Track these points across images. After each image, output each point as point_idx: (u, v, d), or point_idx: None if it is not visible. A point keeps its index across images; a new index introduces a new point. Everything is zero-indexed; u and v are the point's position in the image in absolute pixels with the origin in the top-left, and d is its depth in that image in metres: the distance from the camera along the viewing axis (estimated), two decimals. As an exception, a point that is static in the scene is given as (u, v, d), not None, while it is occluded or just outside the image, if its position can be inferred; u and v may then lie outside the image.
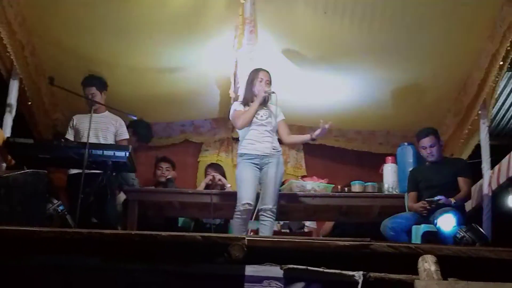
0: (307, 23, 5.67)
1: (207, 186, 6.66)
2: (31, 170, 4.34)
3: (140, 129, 6.80)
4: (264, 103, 5.46)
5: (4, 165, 5.24)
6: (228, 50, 6.06)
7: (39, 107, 6.60)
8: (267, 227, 5.18)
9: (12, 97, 5.62)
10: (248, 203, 5.11)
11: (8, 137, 5.18)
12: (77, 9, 5.52)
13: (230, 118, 5.55)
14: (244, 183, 5.22)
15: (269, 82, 5.45)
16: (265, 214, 5.18)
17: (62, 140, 5.38)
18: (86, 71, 6.14)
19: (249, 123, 5.36)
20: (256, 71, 5.54)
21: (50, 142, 5.51)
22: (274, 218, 5.23)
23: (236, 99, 6.49)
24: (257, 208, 5.22)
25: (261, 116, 5.41)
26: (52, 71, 5.96)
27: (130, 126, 6.48)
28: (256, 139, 5.34)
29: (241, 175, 5.28)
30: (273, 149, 5.34)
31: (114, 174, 5.54)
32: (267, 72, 5.51)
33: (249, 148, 5.32)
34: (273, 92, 5.41)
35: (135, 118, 6.02)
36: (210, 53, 6.26)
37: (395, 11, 5.41)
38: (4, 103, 5.61)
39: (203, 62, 6.42)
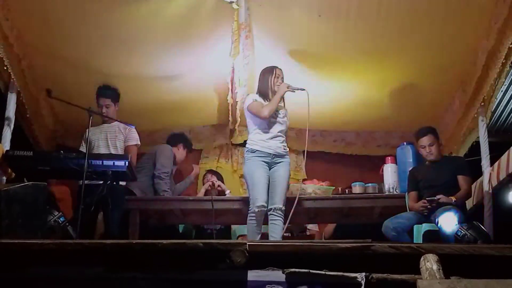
0: (302, 26, 5.68)
1: (206, 192, 6.67)
2: (31, 182, 4.33)
3: (186, 142, 7.06)
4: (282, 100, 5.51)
5: (4, 178, 5.24)
6: (224, 56, 6.07)
7: (38, 120, 6.61)
8: (278, 226, 5.16)
9: (10, 111, 5.61)
10: (263, 205, 5.13)
11: (7, 150, 5.18)
12: (73, 21, 5.52)
13: (249, 109, 5.47)
14: (257, 185, 5.22)
15: (283, 79, 5.52)
16: (275, 213, 5.16)
17: (61, 151, 5.38)
18: (84, 82, 6.16)
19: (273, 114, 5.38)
20: (271, 68, 5.61)
21: (49, 154, 5.50)
22: (283, 217, 5.20)
23: (234, 105, 6.51)
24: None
25: (279, 114, 5.43)
26: (50, 83, 5.96)
27: (178, 142, 6.86)
28: (270, 137, 5.35)
29: (253, 175, 5.27)
30: (284, 149, 5.40)
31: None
32: (281, 69, 5.60)
33: (262, 145, 5.33)
34: (303, 89, 5.42)
35: (133, 127, 6.01)
36: (207, 59, 6.27)
37: (389, 11, 5.41)
38: (3, 116, 5.62)
39: (200, 69, 6.43)
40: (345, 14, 5.45)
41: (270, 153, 5.31)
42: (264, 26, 5.86)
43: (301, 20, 5.59)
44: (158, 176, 6.34)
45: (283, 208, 5.21)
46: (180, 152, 6.86)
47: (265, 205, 5.15)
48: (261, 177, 5.24)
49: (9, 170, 5.20)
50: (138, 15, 5.46)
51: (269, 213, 5.20)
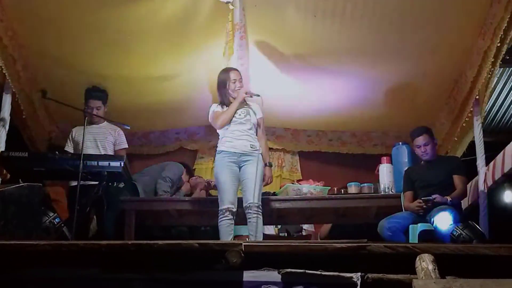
0: (298, 26, 5.68)
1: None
2: (26, 183, 4.32)
3: (189, 169, 7.20)
4: (243, 101, 5.47)
5: (-1, 179, 5.24)
6: (219, 57, 6.06)
7: (33, 120, 6.59)
8: (255, 224, 5.08)
9: (6, 111, 5.60)
10: (229, 207, 5.11)
11: (2, 151, 5.18)
12: (67, 22, 5.52)
13: (209, 120, 5.50)
14: (223, 187, 5.20)
15: (241, 80, 5.47)
16: (251, 211, 5.10)
17: (57, 152, 5.37)
18: (78, 82, 6.13)
19: (228, 123, 5.35)
20: (226, 72, 5.53)
21: (44, 155, 5.50)
22: (260, 213, 5.13)
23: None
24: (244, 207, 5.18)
25: (239, 115, 5.39)
26: (45, 84, 5.97)
27: (184, 167, 6.89)
28: (234, 137, 5.31)
29: (219, 177, 5.25)
30: (251, 147, 5.30)
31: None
32: (237, 70, 5.54)
33: (227, 146, 5.29)
34: (258, 95, 5.42)
35: (128, 127, 6.02)
36: (202, 60, 6.26)
37: (384, 11, 5.42)
38: (-2, 117, 5.61)
39: (195, 69, 6.43)
40: (340, 15, 5.46)
41: (236, 152, 5.26)
42: (259, 27, 5.86)
43: (296, 20, 5.59)
44: (162, 178, 6.41)
45: (258, 204, 5.13)
46: (184, 175, 6.90)
47: (232, 206, 5.12)
48: (227, 179, 5.21)
49: (4, 171, 5.19)
50: (133, 15, 5.45)
51: (245, 212, 5.17)
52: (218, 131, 5.48)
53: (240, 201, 5.25)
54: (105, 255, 3.14)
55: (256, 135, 5.45)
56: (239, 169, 5.27)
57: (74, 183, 5.64)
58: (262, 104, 5.40)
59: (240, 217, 5.25)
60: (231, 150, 5.27)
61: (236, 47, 5.84)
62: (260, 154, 5.36)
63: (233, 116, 5.35)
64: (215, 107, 5.50)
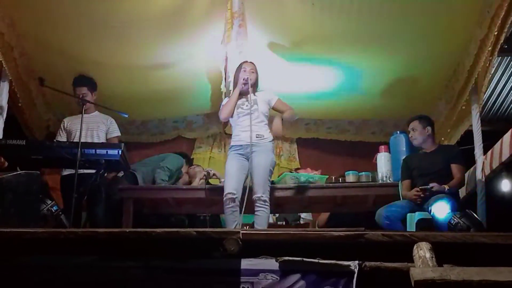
0: (296, 15, 5.66)
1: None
2: (24, 171, 4.32)
3: (189, 159, 7.19)
4: (247, 92, 5.47)
5: (-3, 167, 5.23)
6: (218, 45, 6.05)
7: (31, 108, 6.58)
8: (259, 217, 5.14)
9: (3, 99, 5.58)
10: (229, 193, 5.13)
11: (0, 139, 5.16)
12: (65, 9, 5.48)
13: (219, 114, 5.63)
14: (227, 174, 5.27)
15: (253, 71, 5.50)
16: (256, 204, 5.15)
17: (55, 140, 5.35)
18: (76, 71, 6.12)
19: (231, 113, 5.42)
20: (240, 64, 5.62)
21: (42, 143, 5.49)
22: (266, 207, 5.18)
23: (227, 94, 6.50)
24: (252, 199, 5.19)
25: (246, 106, 5.42)
26: (42, 72, 5.94)
27: (184, 157, 6.85)
28: (241, 129, 5.37)
29: (226, 167, 5.34)
30: (257, 136, 5.31)
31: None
32: (251, 62, 5.60)
33: (235, 140, 5.39)
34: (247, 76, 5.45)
35: (126, 116, 6.01)
36: (200, 48, 6.24)
37: (383, 1, 5.41)
38: (-5, 105, 5.60)
39: (194, 58, 6.41)
40: (339, 2, 5.44)
41: (243, 145, 5.31)
42: (258, 15, 5.84)
43: (295, 8, 5.57)
44: (161, 167, 6.41)
45: (263, 196, 5.16)
46: (183, 168, 6.90)
47: (234, 192, 5.14)
48: (232, 167, 5.27)
49: (2, 159, 5.18)
50: (131, 3, 5.43)
51: (254, 204, 5.20)
52: (231, 124, 5.56)
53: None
54: (103, 243, 3.15)
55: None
56: (247, 160, 5.30)
57: (65, 173, 5.66)
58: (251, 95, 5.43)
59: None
60: (238, 143, 5.34)
61: (234, 35, 5.83)
62: (269, 142, 5.38)
63: (236, 105, 5.41)
64: (224, 101, 5.61)
